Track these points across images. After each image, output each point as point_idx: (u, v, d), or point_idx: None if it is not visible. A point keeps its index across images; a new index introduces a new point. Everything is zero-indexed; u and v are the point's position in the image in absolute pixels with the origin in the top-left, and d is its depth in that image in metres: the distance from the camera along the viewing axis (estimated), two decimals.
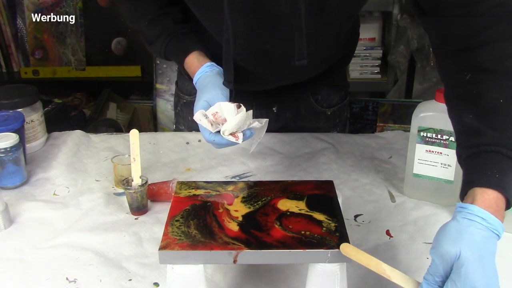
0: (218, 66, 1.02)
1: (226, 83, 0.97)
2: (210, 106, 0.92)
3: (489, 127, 0.75)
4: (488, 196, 0.70)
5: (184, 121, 1.38)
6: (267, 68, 1.06)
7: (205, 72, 1.02)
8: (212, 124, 0.89)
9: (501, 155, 0.73)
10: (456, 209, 0.70)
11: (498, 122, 0.75)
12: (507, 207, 0.72)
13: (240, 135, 0.89)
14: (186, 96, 1.34)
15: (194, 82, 1.04)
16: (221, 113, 0.89)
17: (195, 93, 1.28)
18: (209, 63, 1.03)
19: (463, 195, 0.74)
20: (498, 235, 0.69)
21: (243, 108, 0.89)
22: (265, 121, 0.94)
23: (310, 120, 1.33)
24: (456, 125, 0.82)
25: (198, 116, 0.90)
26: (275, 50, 1.00)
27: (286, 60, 0.98)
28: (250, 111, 0.92)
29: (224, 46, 0.95)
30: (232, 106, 0.89)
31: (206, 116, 0.90)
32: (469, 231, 0.67)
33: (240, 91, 1.21)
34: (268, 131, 1.15)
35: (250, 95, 1.20)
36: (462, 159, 0.77)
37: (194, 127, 1.35)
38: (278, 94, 1.23)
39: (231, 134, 0.89)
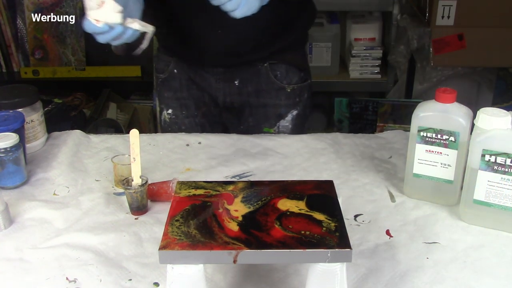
0: None
1: None
2: None
3: None
4: None
5: (163, 99, 1.46)
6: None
7: None
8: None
9: None
10: None
11: None
12: None
13: (101, 23, 0.94)
14: (161, 75, 1.44)
15: None
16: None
17: (166, 70, 1.42)
18: None
19: None
20: None
21: None
22: (150, 28, 0.98)
23: (271, 97, 1.38)
24: None
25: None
26: None
27: None
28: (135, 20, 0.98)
29: None
30: None
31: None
32: None
33: (204, 64, 1.34)
34: (232, 106, 1.37)
35: (212, 68, 1.32)
36: None
37: (172, 104, 1.45)
38: (239, 67, 1.33)
39: (96, 20, 0.94)
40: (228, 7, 0.97)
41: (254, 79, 1.36)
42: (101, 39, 0.98)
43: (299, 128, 1.44)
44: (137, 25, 0.96)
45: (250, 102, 1.39)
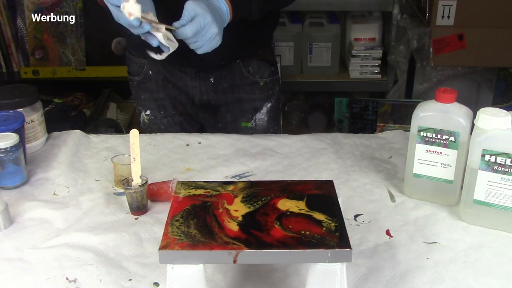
0: None
1: None
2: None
3: None
4: None
5: (140, 101, 1.48)
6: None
7: None
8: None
9: None
10: None
11: None
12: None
13: (133, 17, 0.99)
14: (135, 77, 1.45)
15: None
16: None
17: (141, 72, 1.43)
18: None
19: None
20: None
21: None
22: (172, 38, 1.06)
23: (246, 91, 1.43)
24: None
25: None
26: None
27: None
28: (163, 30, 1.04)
29: None
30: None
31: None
32: (209, 1, 1.08)
33: (179, 63, 1.37)
34: (209, 103, 1.41)
35: (187, 68, 1.36)
36: None
37: (149, 106, 1.47)
38: (213, 66, 1.38)
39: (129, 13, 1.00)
40: (191, 46, 1.08)
41: (228, 75, 1.40)
42: (135, 32, 1.04)
43: (274, 120, 1.49)
44: (160, 35, 1.04)
45: (226, 98, 1.43)
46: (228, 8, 1.12)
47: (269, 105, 1.46)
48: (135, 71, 1.45)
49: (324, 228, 0.76)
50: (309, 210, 0.81)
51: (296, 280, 0.86)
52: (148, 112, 1.48)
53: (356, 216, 1.03)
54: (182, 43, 1.08)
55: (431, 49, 2.22)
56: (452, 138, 1.00)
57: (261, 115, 1.46)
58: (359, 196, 1.10)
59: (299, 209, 0.81)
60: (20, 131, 1.15)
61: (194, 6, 1.05)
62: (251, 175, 1.18)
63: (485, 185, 0.95)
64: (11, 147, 1.08)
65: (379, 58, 2.45)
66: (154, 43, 1.05)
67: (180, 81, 1.41)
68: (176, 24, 1.06)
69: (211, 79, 1.40)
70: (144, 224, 1.01)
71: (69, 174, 1.18)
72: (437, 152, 1.02)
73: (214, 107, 1.45)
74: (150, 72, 1.42)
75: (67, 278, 0.87)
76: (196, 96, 1.43)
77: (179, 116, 1.47)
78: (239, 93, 1.43)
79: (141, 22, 1.01)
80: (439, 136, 1.01)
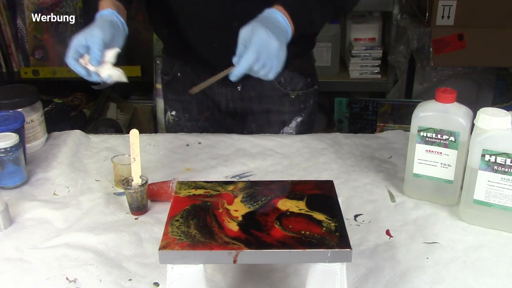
0: (118, 16, 1.09)
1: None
2: (87, 43, 1.06)
3: None
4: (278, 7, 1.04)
5: (167, 100, 1.47)
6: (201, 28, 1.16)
7: (101, 15, 1.08)
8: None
9: None
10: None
11: None
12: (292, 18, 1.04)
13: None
14: (165, 76, 1.45)
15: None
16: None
17: (171, 73, 1.43)
18: (110, 10, 1.09)
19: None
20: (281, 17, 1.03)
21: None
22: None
23: (274, 103, 1.37)
24: None
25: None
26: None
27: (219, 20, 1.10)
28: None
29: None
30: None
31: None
32: (261, 17, 1.01)
33: (206, 71, 1.31)
34: (235, 111, 1.37)
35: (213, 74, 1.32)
36: None
37: (175, 106, 1.46)
38: None
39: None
40: (260, 75, 1.00)
41: (256, 84, 1.33)
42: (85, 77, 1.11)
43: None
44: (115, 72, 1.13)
45: (253, 107, 1.38)
46: (285, 19, 1.03)
47: (299, 119, 1.39)
48: (165, 70, 1.45)
49: (324, 228, 0.76)
50: (309, 210, 0.81)
51: (296, 280, 0.86)
52: (173, 112, 1.46)
53: (356, 216, 1.03)
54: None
55: (431, 49, 2.22)
56: (452, 138, 1.00)
57: (289, 129, 1.39)
58: (359, 196, 1.10)
59: (299, 209, 0.81)
60: (20, 131, 1.15)
61: (245, 30, 0.97)
62: (251, 175, 1.18)
63: (485, 185, 0.95)
64: (11, 147, 1.08)
65: (379, 58, 2.45)
66: (97, 79, 1.10)
67: (208, 86, 1.38)
68: (234, 59, 0.99)
69: (238, 87, 1.35)
70: (144, 224, 1.01)
71: (69, 174, 1.18)
72: (437, 152, 1.02)
73: (241, 115, 1.41)
74: (178, 74, 1.40)
75: (67, 278, 0.87)
76: (222, 103, 1.38)
77: (204, 122, 1.43)
78: (266, 104, 1.36)
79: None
80: (439, 136, 1.01)
